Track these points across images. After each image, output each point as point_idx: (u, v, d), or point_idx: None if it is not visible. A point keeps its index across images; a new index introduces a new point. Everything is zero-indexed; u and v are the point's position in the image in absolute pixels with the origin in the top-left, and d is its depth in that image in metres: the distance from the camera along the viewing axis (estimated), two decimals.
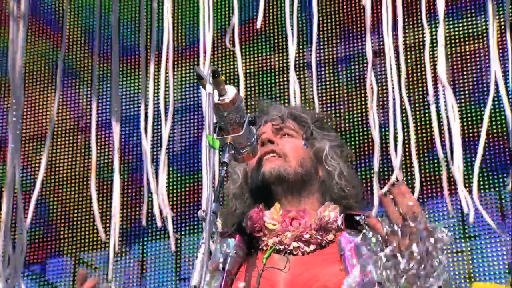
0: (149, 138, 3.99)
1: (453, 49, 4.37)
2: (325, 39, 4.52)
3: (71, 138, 5.03)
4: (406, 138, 3.75)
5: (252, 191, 2.42)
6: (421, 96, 3.91)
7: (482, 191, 3.98)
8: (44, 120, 4.98)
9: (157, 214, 3.80)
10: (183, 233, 4.52)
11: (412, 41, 4.11)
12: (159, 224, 3.78)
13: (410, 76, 3.84)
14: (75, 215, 4.87)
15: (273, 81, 4.76)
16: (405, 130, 3.75)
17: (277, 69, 4.78)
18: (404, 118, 3.75)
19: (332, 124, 2.63)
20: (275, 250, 2.27)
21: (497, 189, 3.96)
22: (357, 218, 2.17)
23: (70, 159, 5.00)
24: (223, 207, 2.40)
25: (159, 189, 3.86)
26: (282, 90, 4.53)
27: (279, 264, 2.23)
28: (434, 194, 4.12)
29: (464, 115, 4.19)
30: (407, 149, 3.75)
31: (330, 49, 4.63)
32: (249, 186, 2.44)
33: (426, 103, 3.77)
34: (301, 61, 4.43)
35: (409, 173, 3.83)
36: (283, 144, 2.43)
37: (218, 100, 2.15)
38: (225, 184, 2.47)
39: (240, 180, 2.49)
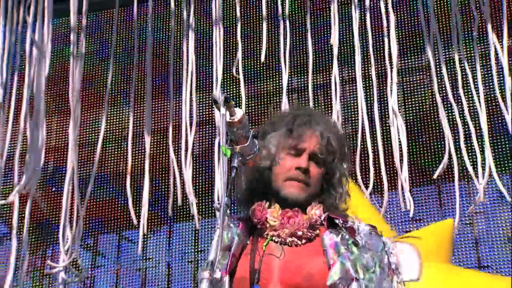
0: (183, 147, 4.04)
1: (404, 78, 4.47)
2: (315, 68, 4.56)
3: (114, 144, 5.16)
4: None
5: (265, 186, 2.37)
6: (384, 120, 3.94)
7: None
8: (95, 131, 5.06)
9: (191, 201, 3.89)
10: (200, 216, 4.58)
11: (378, 73, 4.14)
12: (192, 211, 3.89)
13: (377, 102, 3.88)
14: (119, 203, 5.04)
15: (269, 102, 4.86)
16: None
17: (272, 93, 4.89)
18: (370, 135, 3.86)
19: (350, 152, 2.51)
20: (272, 240, 2.28)
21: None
22: (337, 221, 2.30)
23: (115, 161, 5.14)
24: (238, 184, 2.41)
25: (187, 182, 3.98)
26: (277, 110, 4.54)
27: (276, 252, 2.25)
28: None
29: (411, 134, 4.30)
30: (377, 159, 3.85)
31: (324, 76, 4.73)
32: (262, 181, 2.37)
33: (387, 125, 3.87)
34: (290, 87, 4.52)
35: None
36: (313, 173, 2.34)
37: (229, 119, 2.21)
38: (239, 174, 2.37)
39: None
